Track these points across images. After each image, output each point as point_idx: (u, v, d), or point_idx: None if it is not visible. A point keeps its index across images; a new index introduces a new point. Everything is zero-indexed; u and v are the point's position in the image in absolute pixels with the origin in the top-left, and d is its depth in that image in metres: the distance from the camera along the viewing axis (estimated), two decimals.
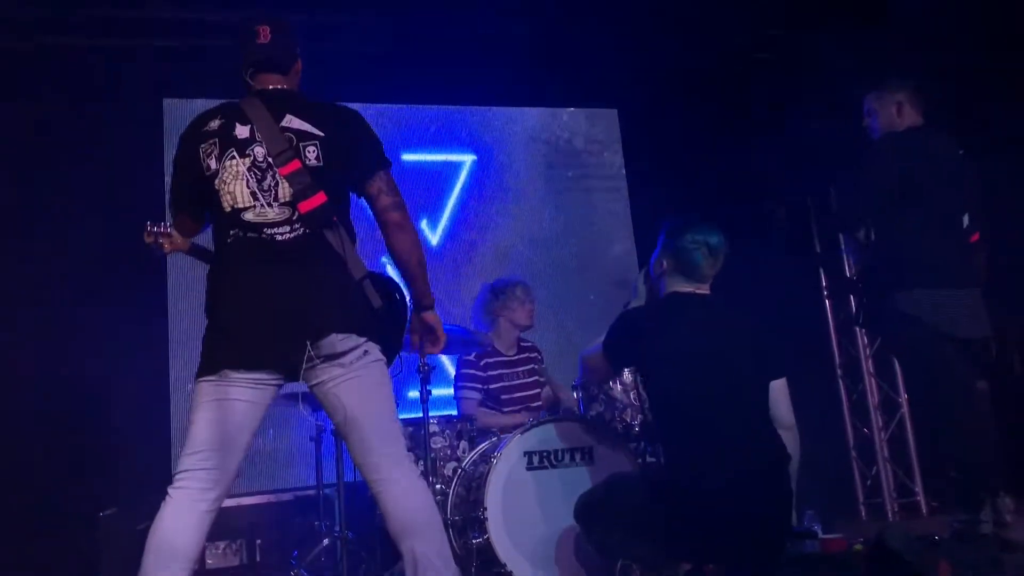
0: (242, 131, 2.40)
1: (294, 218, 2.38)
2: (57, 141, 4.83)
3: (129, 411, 4.56)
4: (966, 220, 3.54)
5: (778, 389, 2.93)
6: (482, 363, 4.27)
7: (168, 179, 2.61)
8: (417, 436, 3.73)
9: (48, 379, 4.54)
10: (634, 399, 3.71)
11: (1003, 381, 3.83)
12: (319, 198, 2.38)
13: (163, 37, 5.06)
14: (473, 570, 3.38)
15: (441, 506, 3.52)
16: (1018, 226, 4.82)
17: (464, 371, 4.28)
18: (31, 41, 4.90)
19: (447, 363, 4.89)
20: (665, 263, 2.96)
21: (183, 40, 5.07)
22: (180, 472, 2.33)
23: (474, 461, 3.68)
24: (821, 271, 5.91)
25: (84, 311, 4.61)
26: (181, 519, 2.29)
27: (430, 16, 5.28)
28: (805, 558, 3.44)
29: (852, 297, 5.52)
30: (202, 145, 2.42)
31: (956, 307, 3.40)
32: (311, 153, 2.41)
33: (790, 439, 2.87)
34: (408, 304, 2.63)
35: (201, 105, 2.59)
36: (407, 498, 2.36)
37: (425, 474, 3.53)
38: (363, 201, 2.53)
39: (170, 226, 3.00)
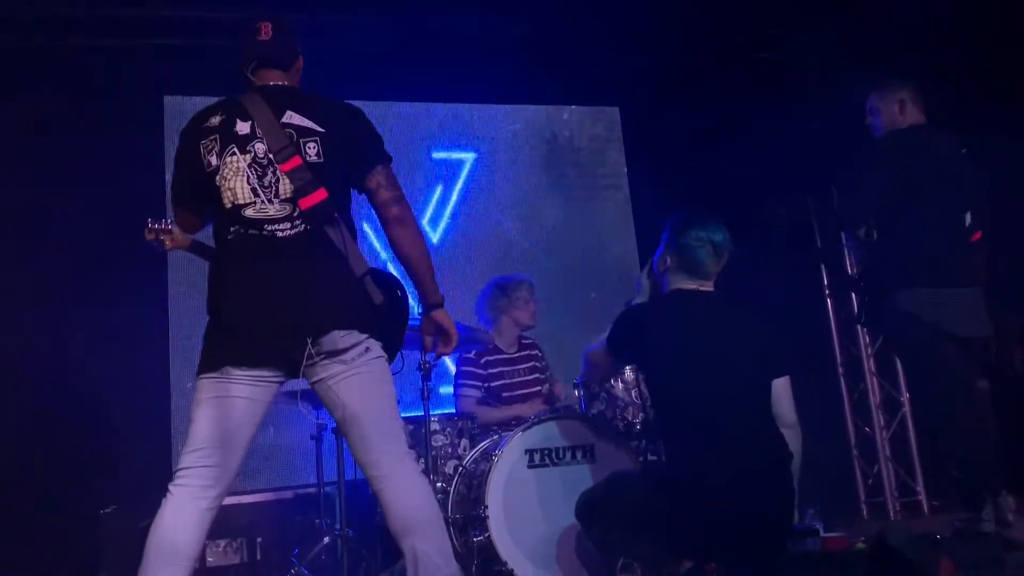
0: (243, 127, 2.40)
1: (295, 214, 2.37)
2: (57, 141, 4.83)
3: (129, 409, 4.55)
4: (968, 219, 3.54)
5: (781, 387, 2.92)
6: (482, 361, 4.26)
7: (169, 176, 2.61)
8: (418, 434, 3.73)
9: (48, 379, 4.54)
10: (636, 397, 3.71)
11: (1003, 381, 3.82)
12: (320, 194, 2.37)
13: (163, 35, 5.06)
14: (474, 568, 3.37)
15: (442, 504, 3.52)
16: (1018, 226, 4.82)
17: (464, 369, 4.28)
18: (31, 40, 4.90)
19: (448, 360, 4.88)
20: (669, 260, 2.95)
21: (183, 38, 5.07)
22: (181, 470, 2.32)
23: (475, 459, 3.68)
24: (823, 268, 5.91)
25: (84, 310, 4.61)
26: (182, 517, 2.29)
27: (430, 15, 5.28)
28: (806, 557, 3.44)
29: (854, 295, 5.53)
30: (203, 141, 2.42)
31: (958, 306, 3.40)
32: (311, 149, 2.40)
33: (792, 438, 2.87)
34: (410, 301, 2.62)
35: (201, 103, 2.59)
36: (408, 496, 2.35)
37: (426, 472, 3.53)
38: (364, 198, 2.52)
39: (171, 223, 3.01)
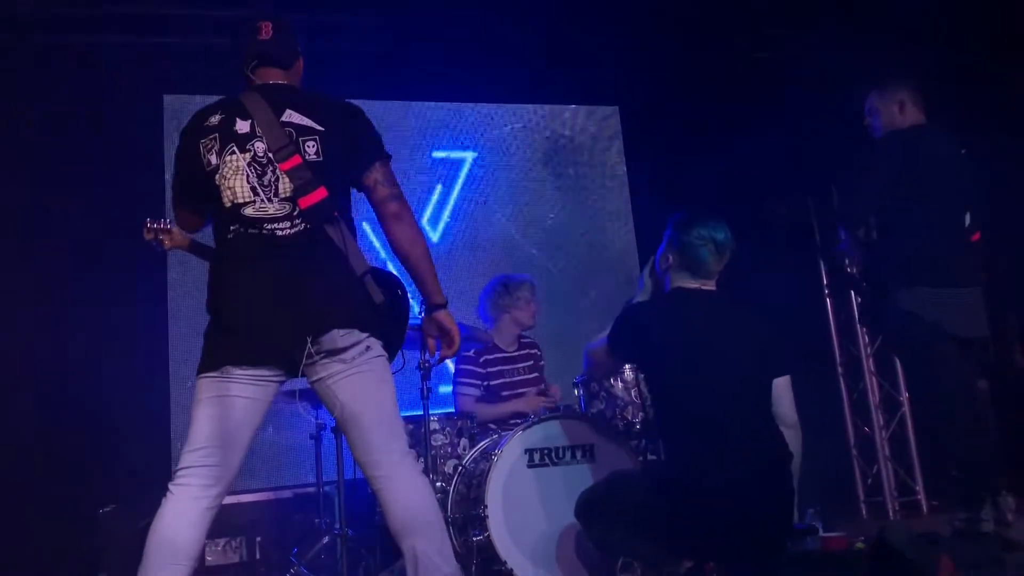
0: (242, 126, 2.40)
1: (295, 213, 2.37)
2: (57, 140, 4.83)
3: (129, 409, 4.56)
4: (967, 219, 3.54)
5: (781, 387, 2.92)
6: (482, 359, 4.27)
7: (169, 176, 2.61)
8: (417, 433, 3.73)
9: (48, 379, 4.54)
10: (635, 396, 3.71)
11: (1003, 380, 3.82)
12: (319, 193, 2.37)
13: (163, 35, 5.07)
14: (474, 568, 3.37)
15: (442, 503, 3.51)
16: (1018, 226, 4.82)
17: (463, 367, 4.28)
18: (31, 40, 4.90)
19: (448, 360, 4.87)
20: (671, 258, 2.94)
21: (183, 38, 5.07)
22: (181, 469, 2.32)
23: (475, 458, 3.68)
24: (822, 265, 5.91)
25: (84, 310, 4.62)
26: (182, 516, 2.28)
27: (430, 15, 5.28)
28: (806, 556, 3.44)
29: (853, 294, 5.53)
30: (202, 140, 2.41)
31: (958, 306, 3.40)
32: (311, 148, 2.40)
33: (793, 437, 2.87)
34: (410, 300, 2.61)
35: (201, 102, 2.59)
36: (408, 496, 2.34)
37: (426, 471, 3.52)
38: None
39: (170, 222, 3.01)
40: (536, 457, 3.48)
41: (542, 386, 4.36)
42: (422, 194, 5.52)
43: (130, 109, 5.01)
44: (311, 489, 4.40)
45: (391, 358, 2.48)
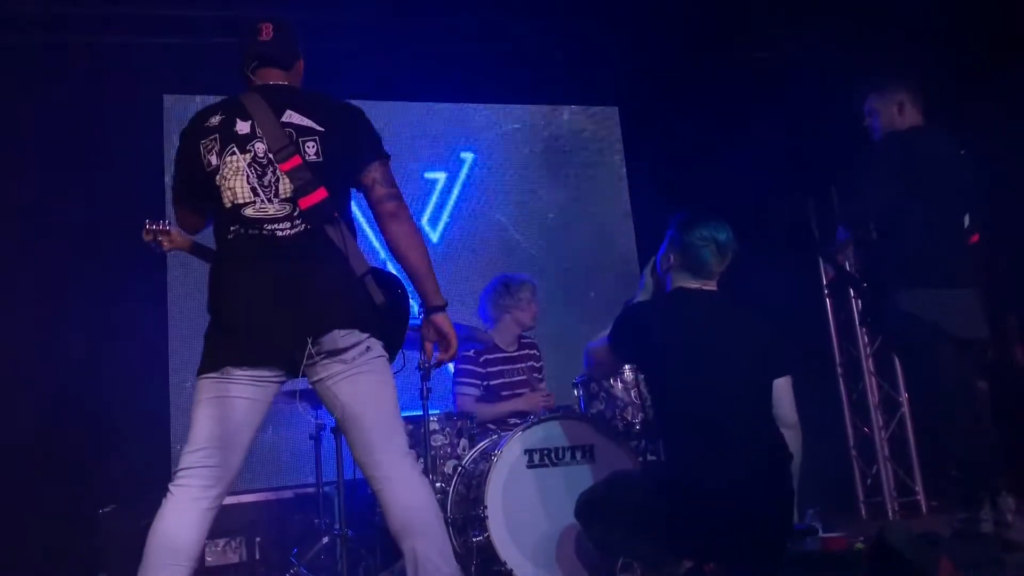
0: (243, 127, 2.40)
1: (295, 214, 2.37)
2: (57, 140, 4.83)
3: (129, 409, 4.56)
4: (967, 220, 3.54)
5: (782, 387, 2.93)
6: (481, 359, 4.27)
7: (169, 176, 2.61)
8: (417, 433, 3.73)
9: (48, 378, 4.54)
10: (635, 397, 3.71)
11: (1003, 381, 3.82)
12: (320, 194, 2.37)
13: (163, 35, 5.06)
14: (473, 568, 3.37)
15: (441, 504, 3.51)
16: (1018, 226, 4.82)
17: (463, 367, 4.28)
18: (31, 39, 4.90)
19: None
20: (672, 258, 2.94)
21: (183, 38, 5.07)
22: (181, 469, 2.32)
23: (474, 459, 3.68)
24: (821, 264, 5.90)
25: (84, 310, 4.62)
26: (182, 517, 2.28)
27: (430, 15, 5.28)
28: (806, 557, 3.44)
29: (852, 292, 5.53)
30: (203, 141, 2.41)
31: (957, 307, 3.40)
32: (311, 148, 2.40)
33: (793, 438, 2.87)
34: (411, 299, 2.61)
35: (201, 102, 2.59)
36: (408, 496, 2.34)
37: (425, 472, 3.52)
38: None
39: (169, 224, 3.00)
40: (536, 458, 3.48)
41: (541, 386, 4.36)
42: (422, 195, 5.52)
43: (130, 109, 5.00)
44: (311, 489, 4.39)
45: (391, 359, 2.48)
